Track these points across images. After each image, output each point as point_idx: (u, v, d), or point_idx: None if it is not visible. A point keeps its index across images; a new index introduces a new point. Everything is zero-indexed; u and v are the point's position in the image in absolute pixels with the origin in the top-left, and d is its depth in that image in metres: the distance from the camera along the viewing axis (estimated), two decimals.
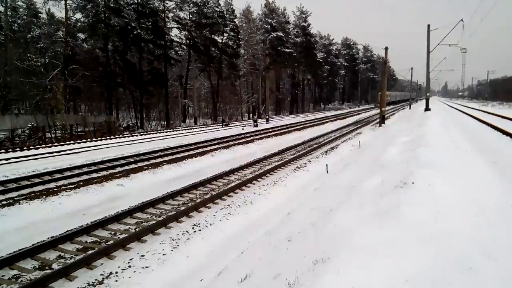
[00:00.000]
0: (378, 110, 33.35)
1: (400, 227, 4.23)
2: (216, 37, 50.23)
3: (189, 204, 9.20)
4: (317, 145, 19.45)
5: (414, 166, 7.40)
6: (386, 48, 29.60)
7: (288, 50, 58.17)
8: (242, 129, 31.31)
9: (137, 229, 7.50)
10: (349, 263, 3.48)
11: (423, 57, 35.44)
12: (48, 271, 5.77)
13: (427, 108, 35.48)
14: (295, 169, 13.62)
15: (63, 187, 10.66)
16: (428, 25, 34.20)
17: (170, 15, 46.30)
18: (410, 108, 56.05)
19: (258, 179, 11.93)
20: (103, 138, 25.33)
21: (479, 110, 39.83)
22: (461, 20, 30.46)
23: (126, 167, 13.85)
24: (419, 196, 5.35)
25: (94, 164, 14.25)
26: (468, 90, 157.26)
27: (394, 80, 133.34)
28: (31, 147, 20.59)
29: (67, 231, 7.37)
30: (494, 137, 14.43)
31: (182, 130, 33.33)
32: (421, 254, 3.48)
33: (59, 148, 19.73)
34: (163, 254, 6.47)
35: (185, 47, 49.46)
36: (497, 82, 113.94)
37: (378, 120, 30.93)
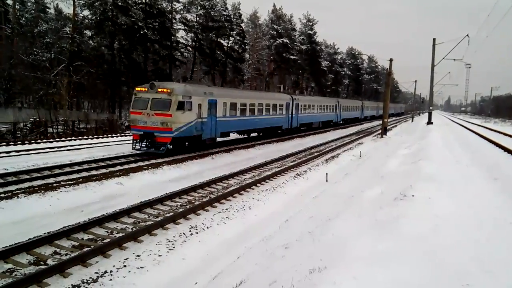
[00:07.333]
0: (380, 121, 33.36)
1: (398, 240, 4.21)
2: (222, 41, 50.34)
3: (187, 206, 9.19)
4: (317, 153, 19.44)
5: (414, 179, 7.39)
6: (391, 60, 29.62)
7: (293, 57, 58.25)
8: None
9: (134, 229, 7.49)
10: (345, 274, 3.46)
11: (427, 70, 35.55)
12: (43, 267, 5.75)
13: (429, 122, 35.49)
14: (295, 176, 13.60)
15: (62, 183, 10.64)
16: (434, 39, 34.34)
17: (178, 16, 46.44)
18: (412, 121, 56.07)
19: (257, 184, 11.92)
20: (105, 135, 25.33)
21: (482, 126, 39.77)
22: (467, 35, 30.59)
23: (126, 166, 13.83)
24: (419, 209, 5.33)
25: (94, 161, 14.23)
26: (471, 105, 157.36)
27: (398, 92, 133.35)
28: (32, 141, 20.58)
29: (64, 227, 7.37)
30: (496, 153, 14.39)
31: None
32: (419, 268, 3.46)
33: (60, 143, 19.74)
34: (159, 255, 6.46)
35: (190, 49, 49.55)
36: (501, 99, 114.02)
37: (380, 131, 30.92)
